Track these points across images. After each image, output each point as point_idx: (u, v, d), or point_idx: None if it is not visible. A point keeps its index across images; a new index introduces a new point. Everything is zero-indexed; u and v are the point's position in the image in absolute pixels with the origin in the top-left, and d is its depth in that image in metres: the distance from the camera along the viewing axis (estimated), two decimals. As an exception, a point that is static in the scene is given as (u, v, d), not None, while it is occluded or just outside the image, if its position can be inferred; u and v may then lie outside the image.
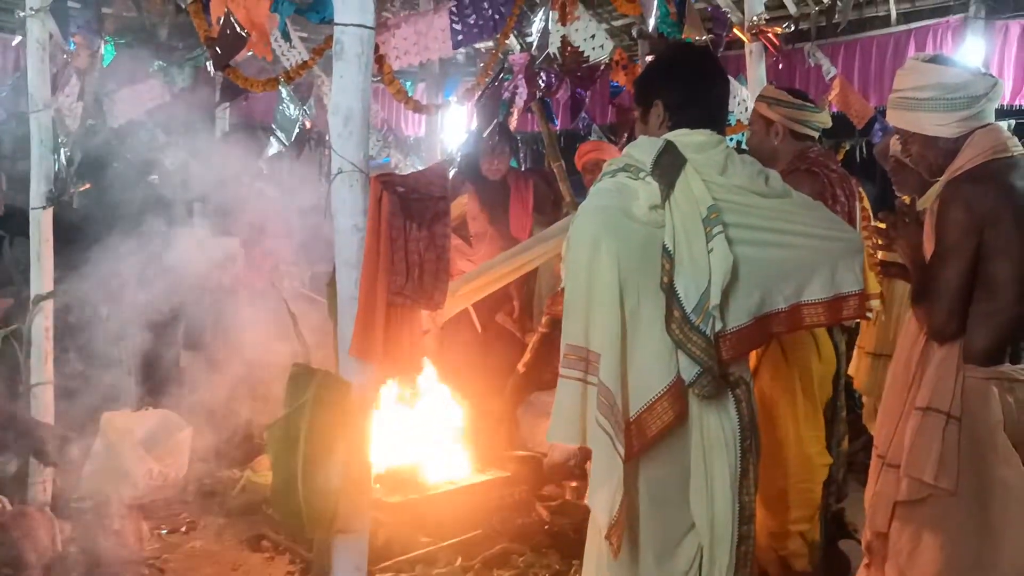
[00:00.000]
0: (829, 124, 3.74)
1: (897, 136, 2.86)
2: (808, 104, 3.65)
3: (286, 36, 3.20)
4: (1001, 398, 2.55)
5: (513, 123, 5.61)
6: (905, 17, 8.17)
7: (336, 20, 2.66)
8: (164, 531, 4.18)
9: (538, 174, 6.00)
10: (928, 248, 2.65)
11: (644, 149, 2.41)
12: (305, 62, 3.24)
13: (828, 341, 3.56)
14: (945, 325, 2.56)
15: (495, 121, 5.29)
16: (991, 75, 2.73)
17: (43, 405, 4.20)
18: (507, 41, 4.24)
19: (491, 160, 5.41)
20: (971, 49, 7.52)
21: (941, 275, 2.56)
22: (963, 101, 2.59)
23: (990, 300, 2.53)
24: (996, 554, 2.53)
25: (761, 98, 3.72)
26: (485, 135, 5.37)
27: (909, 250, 2.70)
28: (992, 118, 2.67)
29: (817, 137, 3.71)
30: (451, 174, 5.55)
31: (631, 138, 5.69)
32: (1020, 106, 7.48)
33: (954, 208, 2.54)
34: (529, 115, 5.67)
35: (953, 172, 2.63)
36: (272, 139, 5.22)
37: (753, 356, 3.44)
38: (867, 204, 4.31)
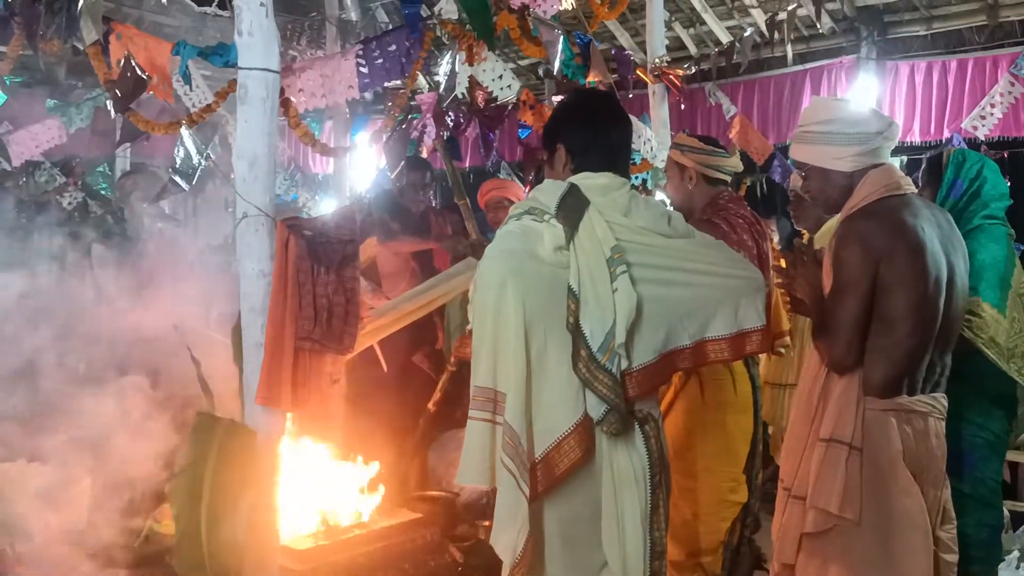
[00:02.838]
0: (740, 168, 3.88)
1: (799, 171, 2.97)
2: (719, 150, 3.77)
3: (187, 79, 3.16)
4: (900, 429, 2.63)
5: (422, 160, 5.65)
6: (801, 58, 8.53)
7: (240, 64, 2.65)
8: (63, 587, 4.00)
9: (454, 211, 6.03)
10: (827, 283, 2.73)
11: (548, 192, 2.46)
12: (209, 105, 3.20)
13: (745, 375, 3.63)
14: (843, 357, 2.64)
15: (408, 156, 5.31)
16: (888, 117, 2.87)
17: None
18: (415, 81, 4.27)
19: (415, 192, 5.46)
20: (863, 88, 7.89)
21: (838, 309, 2.64)
22: (860, 136, 2.72)
23: (886, 333, 2.61)
24: None
25: (674, 145, 3.84)
26: (397, 172, 5.38)
27: (808, 287, 2.78)
28: (887, 158, 2.80)
29: (729, 180, 3.83)
30: (360, 216, 5.53)
31: (539, 176, 5.78)
32: (910, 143, 7.85)
33: (849, 244, 2.64)
34: (436, 153, 5.73)
35: (849, 209, 2.74)
36: (172, 182, 5.14)
37: (670, 390, 3.49)
38: (775, 244, 4.47)
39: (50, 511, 4.19)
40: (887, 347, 2.62)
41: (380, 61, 3.71)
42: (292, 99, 3.20)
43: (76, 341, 4.72)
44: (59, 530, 4.05)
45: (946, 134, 7.67)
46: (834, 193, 2.81)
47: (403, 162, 5.27)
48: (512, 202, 5.12)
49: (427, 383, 5.32)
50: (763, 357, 4.92)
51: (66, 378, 4.57)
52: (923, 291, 2.61)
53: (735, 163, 3.81)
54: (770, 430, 4.99)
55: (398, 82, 4.37)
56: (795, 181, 4.66)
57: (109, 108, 5.42)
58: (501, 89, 4.88)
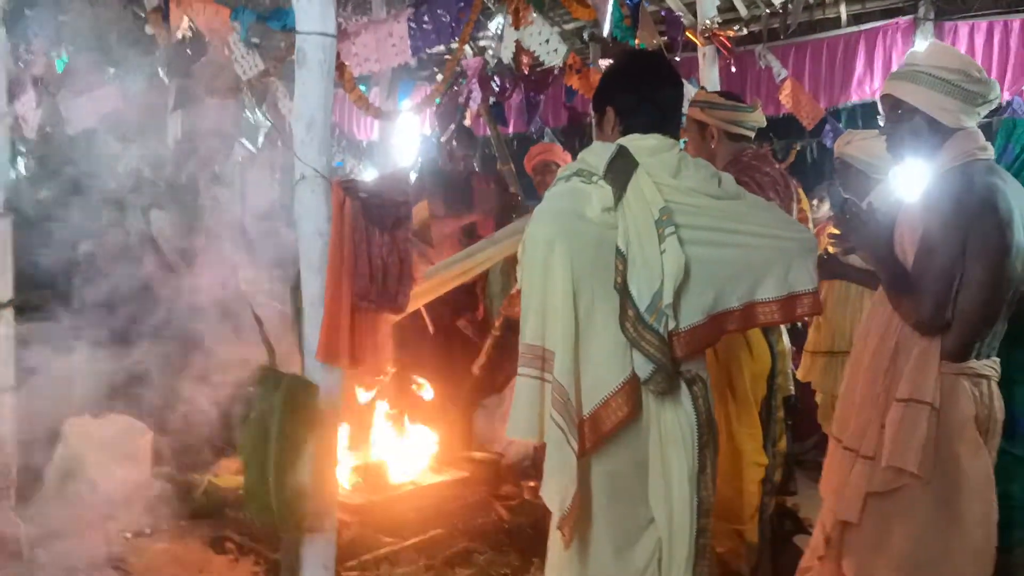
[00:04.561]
0: (763, 123, 3.78)
1: (890, 110, 2.84)
2: (741, 104, 3.70)
3: (247, 44, 3.23)
4: (971, 392, 2.63)
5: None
6: (856, 19, 8.34)
7: (298, 28, 2.69)
8: (128, 535, 4.18)
9: (496, 178, 6.07)
10: (908, 240, 2.69)
11: (597, 154, 2.46)
12: (266, 70, 3.27)
13: (762, 339, 3.60)
14: (933, 317, 2.59)
15: (454, 123, 5.35)
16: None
17: (4, 412, 4.16)
18: (465, 44, 4.29)
19: (455, 159, 5.51)
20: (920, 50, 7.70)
21: (930, 267, 2.59)
22: (975, 97, 2.67)
23: (968, 299, 2.58)
24: (962, 543, 2.61)
25: (694, 103, 3.76)
26: (444, 138, 5.43)
27: (869, 248, 2.73)
28: (975, 125, 2.74)
29: (752, 136, 3.75)
30: (412, 179, 5.60)
31: (584, 141, 5.79)
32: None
33: (943, 206, 2.60)
34: (480, 119, 5.75)
35: (940, 168, 2.69)
36: (238, 145, 5.25)
37: None
38: (805, 205, 4.39)
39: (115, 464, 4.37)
40: (967, 312, 2.60)
41: (430, 25, 3.75)
42: (346, 63, 3.25)
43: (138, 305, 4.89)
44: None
45: (1006, 97, 7.47)
46: (916, 143, 2.75)
47: (452, 127, 5.32)
48: (559, 165, 5.14)
49: (470, 347, 5.40)
50: (810, 332, 4.89)
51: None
52: (1006, 260, 2.59)
53: (758, 117, 3.72)
54: (817, 398, 4.98)
55: (441, 48, 4.38)
56: (840, 146, 4.59)
57: (162, 75, 5.55)
58: (548, 53, 4.88)
